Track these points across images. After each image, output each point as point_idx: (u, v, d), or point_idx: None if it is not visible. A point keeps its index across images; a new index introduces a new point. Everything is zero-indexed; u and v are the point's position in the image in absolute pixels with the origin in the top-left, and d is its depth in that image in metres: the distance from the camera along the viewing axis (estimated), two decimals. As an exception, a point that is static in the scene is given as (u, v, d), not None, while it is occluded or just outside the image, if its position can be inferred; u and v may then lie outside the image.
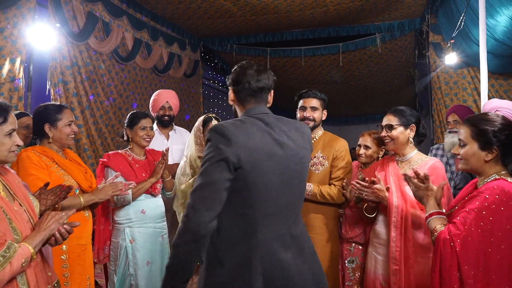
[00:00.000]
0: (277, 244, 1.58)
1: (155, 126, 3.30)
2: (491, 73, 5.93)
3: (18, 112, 2.74)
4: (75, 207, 2.08)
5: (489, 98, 6.07)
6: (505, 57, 5.21)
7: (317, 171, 2.57)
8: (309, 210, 2.51)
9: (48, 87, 4.63)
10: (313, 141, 2.63)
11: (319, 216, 2.54)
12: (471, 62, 5.93)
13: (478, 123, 1.70)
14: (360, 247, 2.51)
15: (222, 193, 1.50)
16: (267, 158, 1.55)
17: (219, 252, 1.56)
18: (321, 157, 2.59)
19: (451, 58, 5.40)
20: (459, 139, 1.75)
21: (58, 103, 2.34)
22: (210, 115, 2.84)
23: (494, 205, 1.57)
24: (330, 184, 2.55)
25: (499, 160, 1.69)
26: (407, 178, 1.88)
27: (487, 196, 1.60)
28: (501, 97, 6.09)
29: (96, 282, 3.40)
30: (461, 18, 4.72)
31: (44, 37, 4.19)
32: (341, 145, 2.61)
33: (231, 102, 1.75)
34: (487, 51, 5.06)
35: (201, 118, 2.82)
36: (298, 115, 2.68)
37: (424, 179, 1.82)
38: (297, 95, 2.74)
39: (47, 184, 1.86)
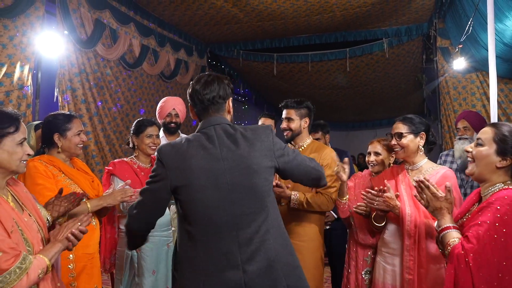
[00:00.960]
0: (222, 264, 1.57)
1: (161, 133, 3.30)
2: (500, 77, 5.88)
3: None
4: (82, 213, 2.07)
5: (498, 103, 6.03)
6: (514, 61, 5.16)
7: None
8: (294, 217, 2.48)
9: (56, 94, 4.66)
10: (300, 150, 2.64)
11: (304, 223, 2.50)
12: (480, 67, 5.89)
13: (503, 129, 1.68)
14: None
15: (157, 208, 1.67)
16: (201, 175, 1.58)
17: (175, 267, 1.69)
18: None
19: (459, 63, 5.36)
20: (478, 138, 1.71)
21: (67, 112, 2.35)
22: None
23: (506, 216, 1.53)
24: (317, 193, 2.51)
25: (509, 171, 1.66)
26: (422, 186, 1.75)
27: (499, 207, 1.55)
28: (511, 102, 6.03)
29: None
30: (469, 22, 4.68)
31: (52, 44, 4.22)
32: (327, 154, 2.58)
33: (193, 118, 1.80)
34: (496, 56, 5.03)
35: None
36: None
37: (447, 191, 1.74)
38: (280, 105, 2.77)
39: (61, 191, 1.86)
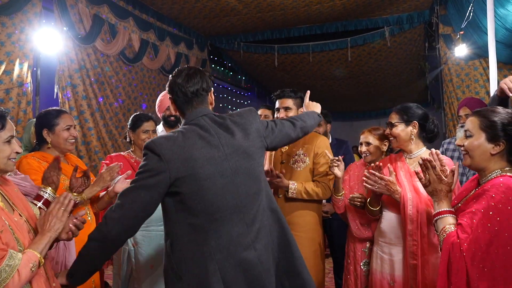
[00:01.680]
0: (234, 247, 1.60)
1: (161, 127, 3.29)
2: (503, 63, 5.80)
3: None
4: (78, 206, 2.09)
5: (502, 89, 5.95)
6: (517, 46, 5.09)
7: (298, 169, 2.55)
8: (292, 208, 2.49)
9: (56, 90, 4.67)
10: None
11: (302, 213, 2.51)
12: (482, 53, 5.81)
13: (488, 114, 1.65)
14: None
15: (149, 207, 1.61)
16: (203, 164, 1.59)
17: (176, 266, 1.59)
18: (302, 154, 2.57)
19: (461, 50, 5.30)
20: (465, 130, 1.68)
21: (58, 108, 2.34)
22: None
23: (500, 204, 1.51)
24: (314, 181, 2.53)
25: (505, 155, 1.63)
26: (428, 166, 1.70)
27: (493, 195, 1.53)
28: (515, 88, 5.95)
29: (106, 284, 3.42)
30: (469, 8, 4.61)
31: (50, 41, 4.22)
32: (321, 142, 2.58)
33: (174, 112, 1.80)
34: (498, 41, 4.95)
35: None
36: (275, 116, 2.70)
37: (452, 174, 1.71)
38: (272, 96, 2.75)
39: (76, 168, 1.88)
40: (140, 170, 1.60)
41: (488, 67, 6.05)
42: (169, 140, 1.60)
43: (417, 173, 1.77)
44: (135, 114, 2.77)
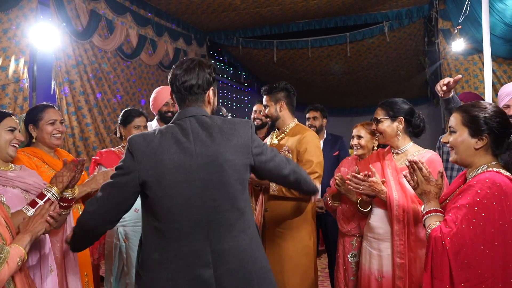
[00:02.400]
0: (192, 261, 1.52)
1: (155, 122, 3.29)
2: (503, 59, 5.77)
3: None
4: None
5: (501, 84, 5.92)
6: (516, 41, 5.05)
7: None
8: (278, 204, 2.46)
9: (53, 86, 4.67)
10: (284, 134, 2.64)
11: (287, 210, 2.47)
12: (481, 48, 5.76)
13: (469, 110, 1.64)
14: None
15: (122, 204, 1.59)
16: (172, 171, 1.50)
17: (140, 264, 1.60)
18: (286, 150, 2.53)
19: (458, 45, 5.27)
20: (449, 127, 1.69)
21: (46, 103, 2.34)
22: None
23: (486, 199, 1.50)
24: None
25: (490, 149, 1.63)
26: (415, 167, 1.70)
27: (479, 191, 1.52)
28: (514, 83, 5.92)
29: (102, 278, 3.44)
30: (467, 2, 4.58)
31: (47, 36, 4.22)
32: (305, 138, 2.48)
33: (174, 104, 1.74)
34: (497, 36, 4.93)
35: None
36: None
37: (439, 176, 1.72)
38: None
39: (65, 162, 1.89)
40: (117, 166, 1.59)
41: (490, 63, 6.03)
42: (145, 139, 1.55)
43: (405, 176, 1.77)
44: (126, 109, 2.77)
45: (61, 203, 1.88)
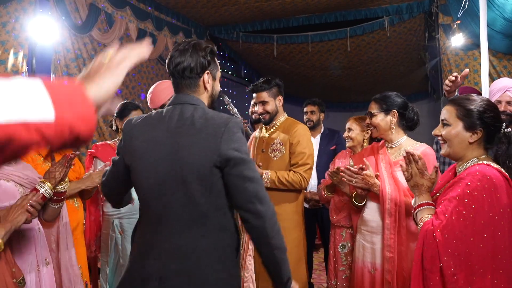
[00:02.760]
0: (145, 251, 1.47)
1: None
2: (503, 53, 5.75)
3: None
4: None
5: (501, 80, 5.89)
6: (516, 37, 5.03)
7: (275, 158, 2.57)
8: (272, 198, 2.50)
9: (52, 80, 4.67)
10: (274, 128, 2.66)
11: (282, 203, 2.51)
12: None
13: (463, 103, 1.65)
14: (352, 232, 2.50)
15: (117, 181, 1.60)
16: (139, 159, 1.46)
17: None
18: (278, 143, 2.58)
19: (457, 39, 5.25)
20: (442, 120, 1.69)
21: None
22: None
23: (476, 192, 1.52)
24: (289, 171, 2.52)
25: (482, 143, 1.64)
26: (411, 159, 1.70)
27: (469, 183, 1.53)
28: (514, 79, 5.91)
29: (100, 270, 3.46)
30: (466, -3, 4.56)
31: (46, 30, 4.22)
32: (298, 130, 2.55)
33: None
34: (497, 31, 4.91)
35: None
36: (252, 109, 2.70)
37: (434, 171, 1.73)
38: (248, 89, 2.75)
39: (53, 158, 1.89)
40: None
41: (488, 57, 6.01)
42: (130, 123, 1.54)
43: (401, 165, 1.78)
44: (122, 102, 2.78)
45: (54, 197, 1.90)
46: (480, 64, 6.14)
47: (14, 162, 1.88)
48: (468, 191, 1.52)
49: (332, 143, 3.70)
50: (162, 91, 3.15)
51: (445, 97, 2.38)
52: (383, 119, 2.21)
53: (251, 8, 6.45)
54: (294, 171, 2.50)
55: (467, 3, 4.63)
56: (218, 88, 1.60)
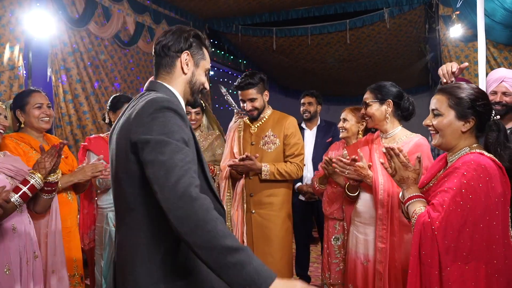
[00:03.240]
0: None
1: None
2: (504, 45, 5.70)
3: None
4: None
5: (502, 71, 5.84)
6: (517, 27, 4.98)
7: (269, 150, 2.63)
8: (265, 188, 2.56)
9: (49, 74, 4.67)
10: (262, 122, 2.69)
11: (275, 192, 2.59)
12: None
13: (454, 92, 1.62)
14: (345, 225, 2.51)
15: None
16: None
17: None
18: (272, 135, 2.63)
19: (456, 30, 5.20)
20: (433, 109, 1.66)
21: (33, 88, 2.34)
22: None
23: (472, 181, 1.49)
24: (286, 162, 2.61)
25: (474, 131, 1.62)
26: (392, 154, 1.68)
27: (465, 173, 1.51)
28: (515, 70, 5.85)
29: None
30: (465, -13, 4.51)
31: (42, 23, 4.20)
32: (291, 122, 2.64)
33: None
34: (498, 22, 4.86)
35: None
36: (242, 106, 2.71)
37: (417, 162, 1.71)
38: (233, 87, 2.73)
39: (42, 148, 1.88)
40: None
41: (488, 48, 5.94)
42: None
43: (382, 163, 1.76)
44: (115, 95, 2.78)
45: (46, 188, 1.89)
46: (480, 56, 6.11)
47: (3, 154, 1.88)
48: (465, 181, 1.50)
49: (329, 135, 3.69)
50: None
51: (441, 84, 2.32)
52: (378, 109, 2.20)
53: (250, 1, 6.41)
54: (290, 162, 2.58)
55: (466, -7, 4.57)
56: (201, 78, 1.50)
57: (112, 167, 1.40)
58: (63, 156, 2.23)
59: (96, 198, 2.70)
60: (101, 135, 2.75)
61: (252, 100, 2.63)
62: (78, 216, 2.60)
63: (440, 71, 2.19)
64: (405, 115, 2.22)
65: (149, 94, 1.37)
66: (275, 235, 2.56)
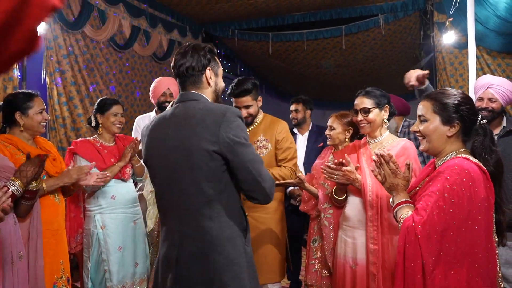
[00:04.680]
0: (166, 238, 1.66)
1: (153, 113, 3.36)
2: (497, 52, 5.73)
3: None
4: (39, 193, 2.10)
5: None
6: (510, 35, 5.01)
7: (261, 155, 2.64)
8: None
9: (44, 76, 4.67)
10: (254, 126, 2.69)
11: None
12: (476, 41, 5.73)
13: (439, 97, 1.64)
14: (324, 228, 2.55)
15: None
16: (153, 153, 1.65)
17: None
18: (264, 140, 2.62)
19: (449, 37, 5.24)
20: (419, 116, 1.68)
21: (29, 91, 2.35)
22: None
23: (455, 186, 1.51)
24: (280, 166, 2.63)
25: (460, 136, 1.63)
26: (382, 161, 1.69)
27: (448, 177, 1.52)
28: (508, 77, 5.88)
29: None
30: (458, -6, 4.55)
31: (37, 26, 4.20)
32: (282, 127, 2.64)
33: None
34: (491, 30, 4.90)
35: None
36: None
37: (406, 168, 1.72)
38: (226, 93, 2.70)
39: (28, 156, 1.88)
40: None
41: (482, 55, 5.99)
42: (149, 124, 1.73)
43: (372, 171, 1.77)
44: (101, 98, 2.80)
45: (25, 195, 1.89)
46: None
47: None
48: (448, 186, 1.51)
49: (320, 140, 3.70)
50: (159, 86, 3.30)
51: (416, 88, 2.51)
52: (378, 114, 2.21)
53: (246, 6, 6.44)
54: (284, 166, 2.60)
55: (458, 0, 4.61)
56: (221, 84, 1.75)
57: (168, 169, 1.61)
58: (52, 159, 2.23)
59: (84, 202, 2.70)
60: (88, 138, 2.75)
61: (247, 107, 2.62)
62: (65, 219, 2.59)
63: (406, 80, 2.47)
64: (389, 119, 2.25)
65: (198, 103, 1.63)
66: (269, 237, 2.59)
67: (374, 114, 2.20)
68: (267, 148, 2.61)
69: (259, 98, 2.69)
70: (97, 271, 2.55)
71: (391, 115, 2.23)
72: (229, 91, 2.65)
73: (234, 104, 2.66)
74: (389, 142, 2.15)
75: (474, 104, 1.66)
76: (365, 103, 2.23)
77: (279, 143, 2.61)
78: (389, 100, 2.23)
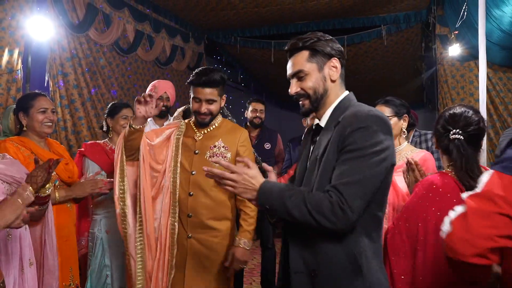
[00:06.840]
0: None
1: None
2: (499, 66, 5.78)
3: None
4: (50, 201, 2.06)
5: (496, 91, 5.91)
6: (512, 49, 5.06)
7: (217, 164, 1.98)
8: (208, 209, 2.24)
9: (47, 78, 4.64)
10: (211, 128, 2.28)
11: (222, 216, 2.26)
12: (477, 54, 5.78)
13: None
14: None
15: None
16: None
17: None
18: (222, 147, 2.23)
19: (454, 50, 5.28)
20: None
21: (38, 91, 2.32)
22: (189, 106, 2.60)
23: (421, 200, 1.57)
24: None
25: (445, 155, 1.70)
26: (413, 168, 1.75)
27: (417, 191, 1.60)
28: (509, 91, 5.93)
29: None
30: (463, 7, 4.59)
31: (42, 28, 4.18)
32: (246, 136, 2.29)
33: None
34: (494, 43, 4.94)
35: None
36: (191, 106, 2.25)
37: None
38: (188, 80, 2.24)
39: (37, 161, 1.84)
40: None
41: (486, 68, 6.03)
42: None
43: (403, 172, 1.81)
44: (112, 102, 2.79)
45: (36, 201, 1.85)
46: (475, 76, 6.20)
47: (1, 157, 1.84)
48: (415, 200, 1.59)
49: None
50: (157, 88, 3.25)
51: None
52: (397, 123, 2.19)
53: (250, 14, 6.46)
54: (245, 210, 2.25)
55: (465, 14, 4.65)
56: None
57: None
58: (64, 163, 2.20)
59: (92, 205, 2.67)
60: (98, 141, 2.73)
61: (210, 101, 2.17)
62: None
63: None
64: (409, 130, 2.24)
65: None
66: (214, 267, 2.18)
67: (392, 123, 2.18)
68: (225, 156, 2.20)
69: (223, 97, 2.27)
70: (99, 276, 2.50)
71: (410, 126, 2.22)
72: (191, 78, 2.20)
73: (193, 96, 2.19)
74: (408, 154, 2.14)
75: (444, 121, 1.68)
76: (384, 111, 2.21)
77: (240, 154, 2.23)
78: (409, 110, 2.21)
